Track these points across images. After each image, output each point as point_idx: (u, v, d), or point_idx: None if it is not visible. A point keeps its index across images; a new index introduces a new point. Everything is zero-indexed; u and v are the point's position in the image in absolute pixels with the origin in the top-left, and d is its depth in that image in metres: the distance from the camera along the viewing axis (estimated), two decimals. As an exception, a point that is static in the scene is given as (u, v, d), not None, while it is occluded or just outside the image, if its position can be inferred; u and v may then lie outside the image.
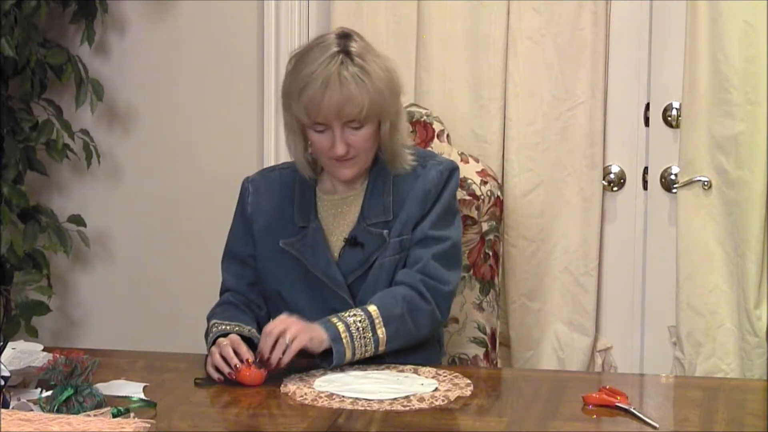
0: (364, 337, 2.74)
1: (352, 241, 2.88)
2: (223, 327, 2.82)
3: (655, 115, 3.60)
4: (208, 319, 2.92)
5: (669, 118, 3.60)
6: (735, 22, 3.40)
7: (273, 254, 2.93)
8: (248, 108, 3.76)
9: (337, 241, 2.91)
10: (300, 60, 2.83)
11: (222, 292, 3.03)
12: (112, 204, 3.88)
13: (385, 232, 2.87)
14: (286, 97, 2.86)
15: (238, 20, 3.73)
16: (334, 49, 2.80)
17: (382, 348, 2.77)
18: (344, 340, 2.72)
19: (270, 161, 3.73)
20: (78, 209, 3.81)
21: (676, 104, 3.58)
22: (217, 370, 2.70)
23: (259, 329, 2.86)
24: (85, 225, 3.76)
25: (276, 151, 3.75)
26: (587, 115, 3.57)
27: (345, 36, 2.84)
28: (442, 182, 2.90)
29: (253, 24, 3.73)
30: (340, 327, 2.73)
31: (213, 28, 3.75)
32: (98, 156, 3.73)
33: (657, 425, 2.43)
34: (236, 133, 3.78)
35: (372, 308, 2.78)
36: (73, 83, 3.71)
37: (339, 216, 2.92)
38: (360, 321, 2.75)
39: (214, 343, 2.77)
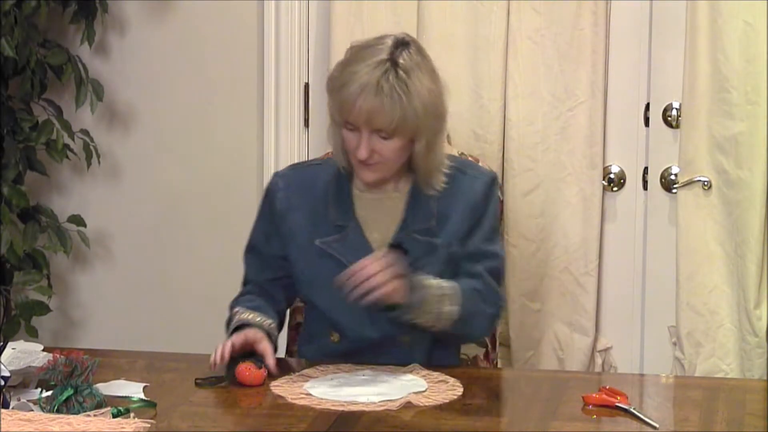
0: (440, 306, 2.74)
1: (397, 248, 2.81)
2: (245, 316, 2.82)
3: (655, 115, 3.61)
4: (231, 307, 2.90)
5: (669, 118, 3.60)
6: (735, 22, 3.40)
7: (307, 253, 2.87)
8: (248, 108, 3.76)
9: (375, 242, 2.85)
10: (352, 55, 2.78)
11: (244, 284, 3.00)
12: (112, 204, 3.88)
13: (437, 240, 2.83)
14: (328, 89, 2.81)
15: (238, 20, 3.73)
16: (384, 56, 2.73)
17: (443, 325, 2.76)
18: (425, 308, 2.72)
19: (270, 161, 3.74)
20: (78, 209, 3.81)
21: (676, 104, 3.58)
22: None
23: (279, 323, 2.90)
24: (85, 225, 3.76)
25: (276, 151, 3.75)
26: (587, 115, 3.57)
27: (403, 44, 2.76)
28: (488, 195, 2.87)
29: (253, 24, 3.73)
30: (428, 293, 2.72)
31: (213, 28, 3.75)
32: (98, 156, 3.73)
33: (657, 425, 2.43)
34: (236, 133, 3.78)
35: (456, 285, 2.77)
36: (73, 83, 3.71)
37: (378, 216, 2.86)
38: (448, 289, 2.75)
39: (234, 331, 2.78)
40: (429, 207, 2.84)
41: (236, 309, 2.87)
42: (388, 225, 2.86)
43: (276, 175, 2.97)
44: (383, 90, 2.70)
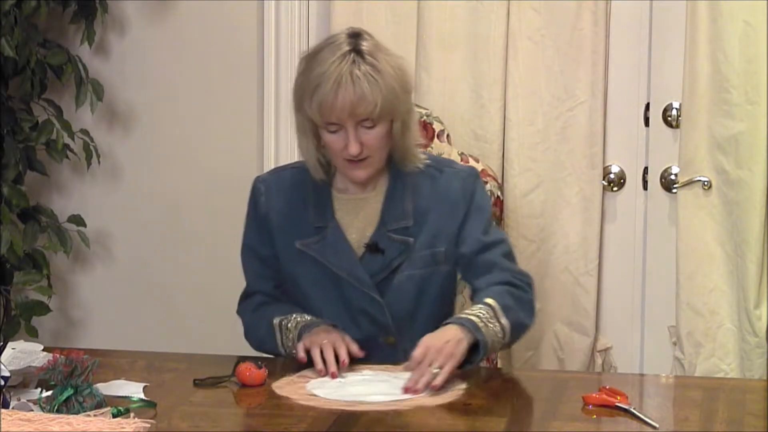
0: (495, 326, 2.71)
1: (373, 248, 2.84)
2: (300, 318, 2.82)
3: (655, 115, 3.61)
4: (270, 318, 2.87)
5: (669, 118, 3.60)
6: (735, 22, 3.40)
7: (289, 255, 2.89)
8: (248, 108, 3.76)
9: (354, 241, 2.87)
10: (311, 60, 2.80)
11: (248, 294, 2.99)
12: (112, 204, 3.88)
13: (412, 240, 2.84)
14: (298, 99, 2.82)
15: (238, 20, 3.73)
16: (346, 48, 2.77)
17: (506, 338, 2.74)
18: (483, 330, 2.67)
19: (270, 161, 3.73)
20: (78, 209, 3.81)
21: (676, 104, 3.58)
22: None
23: None
24: (85, 225, 3.76)
25: (276, 151, 3.75)
26: (587, 115, 3.57)
27: (356, 35, 2.81)
28: (469, 191, 2.87)
29: (253, 24, 3.73)
30: (475, 320, 2.69)
31: (213, 28, 3.75)
32: (98, 156, 3.73)
33: (657, 425, 2.43)
34: (236, 133, 3.78)
35: (490, 300, 2.75)
36: (73, 83, 3.71)
37: (356, 216, 2.88)
38: (485, 311, 2.71)
39: (299, 337, 2.77)
40: (405, 206, 2.86)
41: (279, 318, 2.85)
42: (366, 225, 2.87)
43: (257, 179, 2.99)
44: (359, 78, 2.74)
